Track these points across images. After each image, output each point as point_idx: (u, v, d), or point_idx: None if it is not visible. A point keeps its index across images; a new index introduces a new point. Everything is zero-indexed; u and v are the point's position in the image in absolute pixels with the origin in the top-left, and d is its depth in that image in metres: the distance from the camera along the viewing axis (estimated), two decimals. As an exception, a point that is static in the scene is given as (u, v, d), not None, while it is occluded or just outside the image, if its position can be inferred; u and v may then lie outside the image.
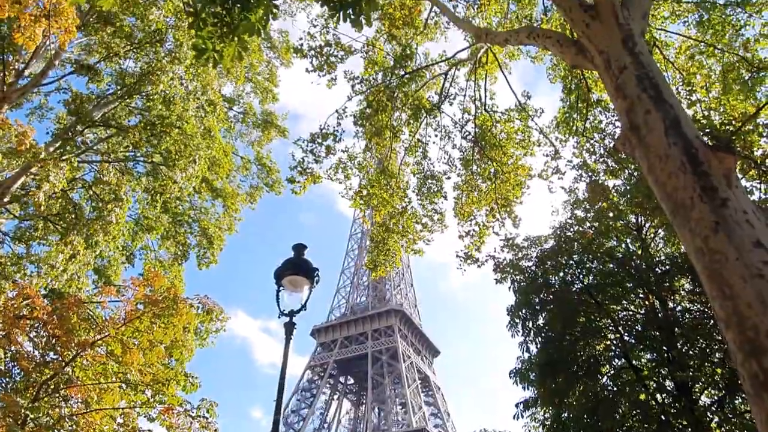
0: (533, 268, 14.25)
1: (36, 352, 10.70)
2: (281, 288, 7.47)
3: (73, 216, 15.68)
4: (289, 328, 6.98)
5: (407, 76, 12.13)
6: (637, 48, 6.39)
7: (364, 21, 5.40)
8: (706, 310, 12.43)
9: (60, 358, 9.32)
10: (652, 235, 14.71)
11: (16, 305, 9.91)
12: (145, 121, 17.84)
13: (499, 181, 12.47)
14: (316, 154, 12.03)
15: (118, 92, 18.69)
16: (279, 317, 7.10)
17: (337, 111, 12.04)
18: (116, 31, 16.87)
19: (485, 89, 13.09)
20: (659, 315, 13.03)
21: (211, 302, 10.59)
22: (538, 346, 13.59)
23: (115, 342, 9.46)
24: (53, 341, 9.45)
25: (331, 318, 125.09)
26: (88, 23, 17.03)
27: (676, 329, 12.59)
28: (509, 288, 14.40)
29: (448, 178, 13.69)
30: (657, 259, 13.80)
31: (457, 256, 13.49)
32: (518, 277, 14.27)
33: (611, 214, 13.78)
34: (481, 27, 11.37)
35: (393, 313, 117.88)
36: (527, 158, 13.88)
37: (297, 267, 7.37)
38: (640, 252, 13.82)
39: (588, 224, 14.25)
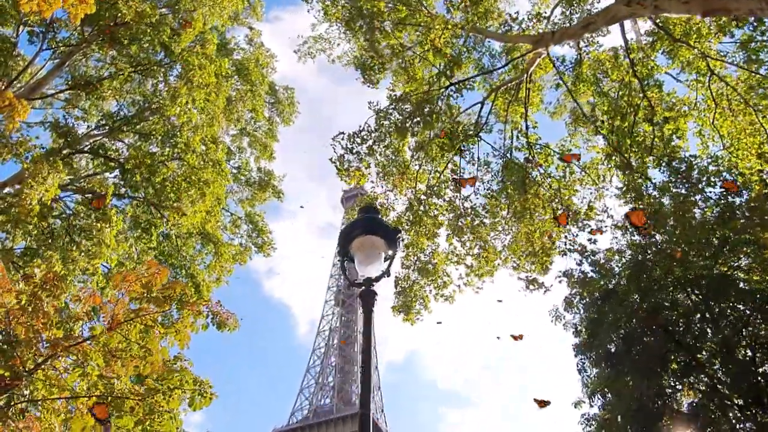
0: (599, 302, 12.44)
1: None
2: (346, 258, 5.69)
3: (49, 240, 13.60)
4: (370, 297, 5.13)
5: (453, 87, 11.11)
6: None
7: None
8: None
9: (17, 366, 6.62)
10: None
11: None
12: (139, 153, 16.22)
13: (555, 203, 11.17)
14: (356, 152, 10.66)
15: (110, 125, 17.30)
16: (349, 287, 5.30)
17: (376, 112, 10.82)
18: (121, 51, 15.73)
19: (526, 111, 12.12)
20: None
21: (225, 312, 8.08)
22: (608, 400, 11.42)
23: (96, 351, 7.04)
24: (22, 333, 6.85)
25: (293, 420, 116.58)
26: (93, 40, 15.89)
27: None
28: (573, 321, 12.43)
29: (486, 210, 12.35)
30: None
31: (518, 279, 11.87)
32: (584, 315, 12.36)
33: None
34: (540, 32, 10.58)
35: (358, 417, 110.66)
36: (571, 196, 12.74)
37: (371, 227, 5.63)
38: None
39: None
